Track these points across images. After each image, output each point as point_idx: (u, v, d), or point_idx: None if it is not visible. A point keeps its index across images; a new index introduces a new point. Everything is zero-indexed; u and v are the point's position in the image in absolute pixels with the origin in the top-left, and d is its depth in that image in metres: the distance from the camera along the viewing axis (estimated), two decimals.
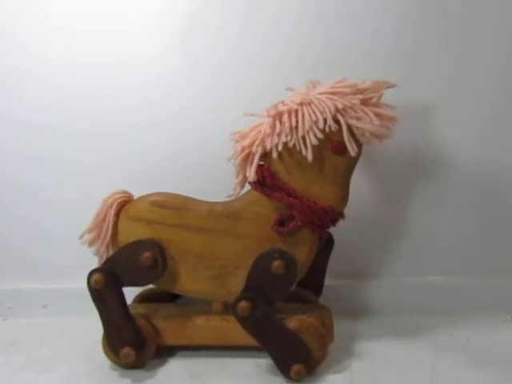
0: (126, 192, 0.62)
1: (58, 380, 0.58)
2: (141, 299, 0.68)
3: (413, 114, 0.71)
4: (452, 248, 0.74)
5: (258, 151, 0.57)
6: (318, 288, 0.68)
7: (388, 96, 0.59)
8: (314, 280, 0.67)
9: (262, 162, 0.59)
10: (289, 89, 0.61)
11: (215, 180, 0.70)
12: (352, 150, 0.55)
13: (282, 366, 0.56)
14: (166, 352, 0.62)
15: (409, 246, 0.74)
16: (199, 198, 0.61)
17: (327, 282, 0.69)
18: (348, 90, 0.56)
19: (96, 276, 0.56)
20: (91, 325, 0.67)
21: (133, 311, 0.60)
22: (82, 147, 0.74)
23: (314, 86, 0.61)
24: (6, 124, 0.74)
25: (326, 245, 0.66)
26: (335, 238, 0.66)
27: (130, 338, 0.57)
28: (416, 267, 0.74)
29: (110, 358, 0.59)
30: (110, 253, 0.61)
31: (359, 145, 0.56)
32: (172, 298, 0.68)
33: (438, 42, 0.70)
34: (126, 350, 0.56)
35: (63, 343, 0.67)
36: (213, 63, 0.72)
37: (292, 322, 0.56)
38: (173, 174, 0.73)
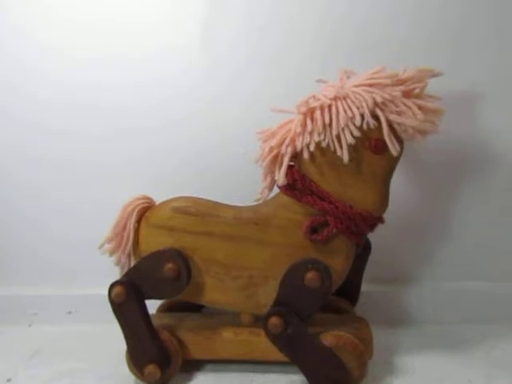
0: (147, 197, 0.58)
1: None
2: (165, 308, 0.64)
3: (457, 106, 0.63)
4: (499, 252, 0.67)
5: (287, 152, 0.52)
6: (353, 297, 0.63)
7: (429, 86, 0.52)
8: (349, 288, 0.61)
9: (291, 163, 0.54)
10: (320, 81, 0.55)
11: (240, 182, 0.66)
12: (393, 148, 0.49)
13: None
14: (192, 366, 0.58)
15: (452, 250, 0.68)
16: (224, 201, 0.57)
17: (363, 287, 0.63)
18: (388, 81, 0.50)
19: (117, 289, 0.53)
20: (117, 333, 0.64)
21: (157, 322, 0.57)
22: (100, 148, 0.71)
23: (349, 77, 0.55)
24: (19, 124, 0.71)
25: (363, 251, 0.60)
26: (372, 240, 0.60)
27: (154, 355, 0.54)
28: (460, 272, 0.68)
29: (135, 374, 0.56)
30: (132, 262, 0.57)
31: (401, 142, 0.50)
32: (197, 306, 0.64)
33: (485, 24, 0.62)
34: (151, 368, 0.53)
35: (89, 353, 0.64)
36: (236, 56, 0.67)
37: (328, 339, 0.52)
38: (195, 175, 0.69)
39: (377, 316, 0.64)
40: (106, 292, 0.70)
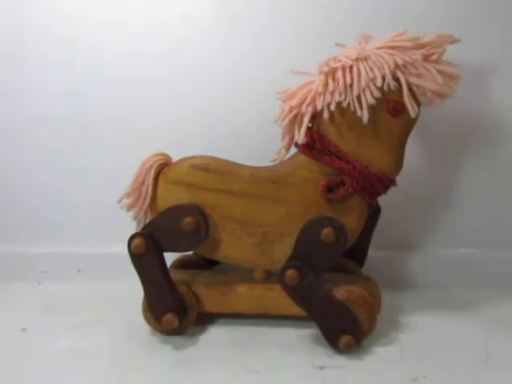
0: (165, 154, 0.59)
1: (99, 345, 0.57)
2: (177, 266, 0.66)
3: (469, 76, 0.64)
4: (501, 220, 0.70)
5: (307, 111, 0.53)
6: (361, 258, 0.65)
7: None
8: (357, 250, 0.63)
9: (309, 124, 0.55)
10: (339, 45, 0.56)
11: (257, 143, 0.67)
12: (412, 109, 0.51)
13: (330, 336, 0.53)
14: (206, 320, 0.60)
15: (455, 217, 0.70)
16: (241, 162, 0.58)
17: (369, 252, 0.65)
18: (409, 44, 0.51)
19: (137, 241, 0.54)
20: (126, 290, 0.66)
21: (172, 277, 0.58)
22: (116, 113, 0.71)
23: (367, 41, 0.56)
24: (37, 85, 0.71)
25: (373, 214, 0.62)
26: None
27: (172, 304, 0.55)
28: (462, 239, 0.70)
29: (151, 324, 0.58)
30: (149, 218, 0.58)
31: (418, 105, 0.52)
32: (209, 264, 0.66)
33: None
34: (169, 317, 0.55)
35: (100, 308, 0.66)
36: (256, 18, 0.67)
37: (340, 292, 0.54)
38: (213, 137, 0.69)
39: (381, 280, 0.65)
40: (114, 250, 0.73)
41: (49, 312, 0.66)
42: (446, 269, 0.70)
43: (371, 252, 0.65)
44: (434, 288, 0.69)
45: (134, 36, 0.69)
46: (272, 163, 0.58)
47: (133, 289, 0.60)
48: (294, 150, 0.57)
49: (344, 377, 0.50)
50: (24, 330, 0.61)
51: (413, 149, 0.67)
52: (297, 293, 0.53)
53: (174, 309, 0.55)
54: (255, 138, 0.68)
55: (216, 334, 0.59)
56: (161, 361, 0.53)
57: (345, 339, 0.52)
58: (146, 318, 0.58)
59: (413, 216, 0.71)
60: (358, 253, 0.64)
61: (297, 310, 0.55)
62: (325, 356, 0.53)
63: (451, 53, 0.53)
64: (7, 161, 0.74)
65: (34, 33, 0.70)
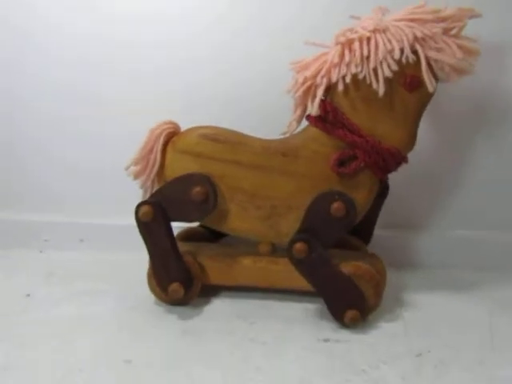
0: (174, 123, 0.58)
1: (103, 314, 0.57)
2: (182, 237, 0.65)
3: (484, 52, 0.63)
4: (507, 203, 0.69)
5: (322, 83, 0.52)
6: (367, 236, 0.65)
7: None
8: (364, 227, 0.63)
9: (322, 97, 0.54)
10: (353, 17, 0.55)
11: (267, 115, 0.66)
12: (430, 84, 0.50)
13: (336, 310, 0.53)
14: (210, 291, 0.60)
15: (462, 198, 0.70)
16: (251, 134, 0.57)
17: (375, 230, 0.65)
18: (429, 17, 0.50)
19: (144, 208, 0.53)
20: (130, 261, 0.66)
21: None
22: (123, 82, 0.70)
23: (384, 14, 0.55)
24: (41, 53, 0.70)
25: (381, 191, 0.61)
26: None
27: (178, 274, 0.55)
28: (468, 221, 0.70)
29: (156, 294, 0.57)
30: (156, 187, 0.58)
31: (436, 80, 0.51)
32: (214, 237, 0.66)
33: None
34: (175, 286, 0.54)
35: (103, 278, 0.65)
36: None
37: (347, 267, 0.54)
38: (222, 109, 0.68)
39: (386, 258, 0.65)
40: (118, 221, 0.72)
41: (52, 280, 0.66)
42: (452, 250, 0.70)
43: (377, 230, 0.65)
44: (439, 268, 0.69)
45: (149, 5, 0.68)
46: (282, 136, 0.57)
47: (136, 260, 0.60)
48: (304, 123, 0.57)
49: (349, 350, 0.50)
50: (28, 295, 0.61)
51: (424, 127, 0.66)
52: (304, 266, 0.53)
53: (180, 279, 0.55)
54: (266, 110, 0.67)
55: (220, 305, 0.59)
56: (165, 330, 0.53)
57: (350, 314, 0.52)
58: (152, 288, 0.57)
59: (420, 196, 0.70)
60: (364, 230, 0.64)
61: (301, 284, 0.55)
62: (330, 330, 0.53)
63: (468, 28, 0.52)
64: (11, 129, 0.73)
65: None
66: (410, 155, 0.55)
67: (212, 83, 0.69)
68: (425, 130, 0.67)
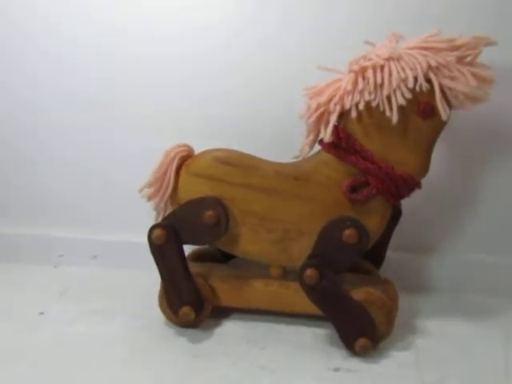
0: (188, 146, 0.59)
1: (114, 334, 0.57)
2: (194, 258, 0.66)
3: (497, 76, 0.63)
4: None
5: (335, 110, 0.52)
6: (379, 260, 0.64)
7: None
8: (376, 251, 0.62)
9: (335, 123, 0.54)
10: (368, 42, 0.55)
11: (280, 139, 0.66)
12: (444, 112, 0.49)
13: (347, 338, 0.53)
14: (221, 313, 0.60)
15: (476, 222, 0.69)
16: (260, 156, 0.57)
17: (387, 253, 0.65)
18: (443, 46, 0.50)
19: (157, 231, 0.54)
20: (141, 279, 0.67)
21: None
22: (139, 99, 0.71)
23: (398, 41, 0.55)
24: (55, 64, 0.71)
25: (393, 216, 0.61)
26: None
27: (189, 297, 0.55)
28: (481, 245, 0.69)
29: (167, 316, 0.58)
30: (169, 209, 0.58)
31: (450, 108, 0.51)
32: (225, 258, 0.66)
33: None
34: (186, 310, 0.55)
35: (116, 296, 0.66)
36: (280, 7, 0.66)
37: (359, 294, 0.53)
38: (232, 129, 0.69)
39: (398, 282, 0.65)
40: (131, 238, 0.73)
41: (67, 296, 0.66)
42: (466, 274, 0.69)
43: (389, 253, 0.65)
44: (452, 293, 0.68)
45: (162, 20, 0.69)
46: (294, 160, 0.58)
47: (149, 278, 0.60)
48: (317, 147, 0.57)
49: (359, 381, 0.49)
50: (42, 313, 0.61)
51: (437, 150, 0.66)
52: (315, 292, 0.53)
53: (191, 302, 0.56)
54: (278, 134, 0.67)
55: (231, 328, 0.59)
56: (175, 353, 0.54)
57: (361, 342, 0.52)
58: (163, 310, 0.58)
59: (434, 219, 0.70)
60: (375, 254, 0.63)
61: (312, 309, 0.55)
62: (339, 358, 0.53)
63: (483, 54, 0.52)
64: (29, 143, 0.75)
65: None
66: (424, 179, 0.55)
67: (221, 101, 0.69)
68: (438, 152, 0.66)
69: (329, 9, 0.65)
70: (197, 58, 0.69)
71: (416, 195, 0.57)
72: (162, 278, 0.56)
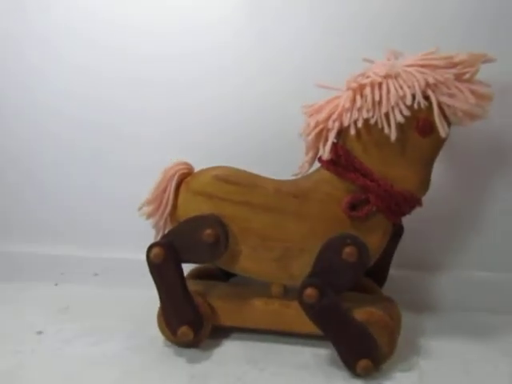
0: (188, 164, 0.59)
1: (109, 354, 0.56)
2: (194, 276, 0.65)
3: (499, 95, 0.63)
4: None
5: (334, 127, 0.52)
6: (381, 278, 0.63)
7: None
8: (378, 269, 0.62)
9: (334, 140, 0.54)
10: (366, 60, 0.55)
11: (279, 155, 0.66)
12: (442, 129, 0.49)
13: (348, 359, 0.52)
14: (220, 333, 0.60)
15: (480, 239, 0.68)
16: (258, 173, 0.57)
17: (390, 271, 0.64)
18: (441, 63, 0.50)
19: (156, 250, 0.54)
20: (142, 297, 0.66)
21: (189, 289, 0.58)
22: (136, 118, 0.72)
23: (396, 58, 0.55)
24: (60, 88, 0.73)
25: (395, 233, 0.60)
26: None
27: (188, 317, 0.55)
28: (485, 262, 0.68)
29: (166, 335, 0.57)
30: (168, 227, 0.58)
31: (449, 125, 0.51)
32: (225, 276, 0.66)
33: None
34: (184, 329, 0.54)
35: (114, 314, 0.66)
36: (283, 28, 0.67)
37: (360, 314, 0.52)
38: (233, 147, 0.69)
39: (401, 300, 0.64)
40: (132, 256, 0.72)
41: (65, 315, 0.66)
42: (469, 292, 0.67)
43: (392, 271, 0.64)
44: (456, 311, 0.67)
45: (161, 39, 0.70)
46: (294, 177, 0.58)
47: (148, 297, 0.59)
48: (317, 164, 0.57)
49: None
50: (40, 333, 0.61)
51: (439, 167, 0.65)
52: (315, 312, 0.52)
53: (190, 321, 0.55)
54: (278, 151, 0.67)
55: (230, 348, 0.58)
56: (174, 373, 0.53)
57: (363, 363, 0.51)
58: (161, 329, 0.57)
59: (437, 236, 0.69)
60: (378, 272, 0.63)
61: (313, 329, 0.54)
62: (341, 379, 0.52)
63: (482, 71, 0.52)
64: (30, 161, 0.76)
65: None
66: (425, 195, 0.54)
67: (224, 120, 0.70)
68: (440, 169, 0.66)
69: (327, 26, 0.66)
70: (192, 83, 0.70)
71: (418, 212, 0.56)
72: (161, 297, 0.55)
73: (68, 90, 0.73)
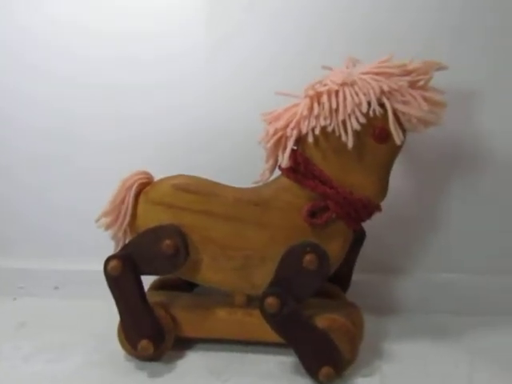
0: (147, 173, 0.58)
1: (69, 370, 0.55)
2: (157, 287, 0.64)
3: (453, 103, 0.63)
4: (487, 245, 0.69)
5: (292, 135, 0.52)
6: (345, 283, 0.64)
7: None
8: (341, 275, 0.62)
9: (294, 147, 0.54)
10: (325, 67, 0.55)
11: (240, 164, 0.66)
12: (397, 136, 0.50)
13: (310, 367, 0.52)
14: (183, 344, 0.59)
15: (440, 242, 0.69)
16: (222, 181, 0.57)
17: (353, 276, 0.64)
18: (395, 71, 0.51)
19: (113, 263, 0.52)
20: (104, 310, 0.63)
21: (150, 299, 0.56)
22: (100, 126, 0.70)
23: (354, 65, 0.56)
24: (20, 99, 0.71)
25: (357, 238, 0.61)
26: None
27: (148, 330, 0.54)
28: (448, 263, 0.69)
29: (126, 350, 0.56)
30: (128, 238, 0.57)
31: (404, 132, 0.51)
32: (189, 286, 0.65)
33: (486, 22, 0.63)
34: (144, 344, 0.53)
35: (75, 329, 0.64)
36: (242, 39, 0.67)
37: (322, 321, 0.52)
38: (194, 156, 0.68)
39: (365, 304, 0.64)
40: (92, 268, 0.70)
41: (23, 331, 0.64)
42: (432, 294, 0.68)
43: (355, 275, 0.64)
44: (419, 314, 0.68)
45: (123, 44, 0.68)
46: (255, 185, 0.57)
47: (111, 309, 0.58)
48: (278, 171, 0.57)
49: None
50: None
51: (398, 172, 0.66)
52: (276, 321, 0.52)
53: (150, 335, 0.54)
54: (239, 158, 0.67)
55: (193, 360, 0.57)
56: None
57: (325, 371, 0.51)
58: (122, 343, 0.56)
59: (398, 240, 0.70)
60: (341, 277, 0.63)
61: (276, 338, 0.54)
62: None
63: (438, 78, 0.53)
64: None
65: None
66: (386, 199, 0.55)
67: (182, 129, 0.69)
68: (400, 174, 0.67)
69: (288, 34, 0.66)
70: (155, 90, 0.69)
71: (379, 217, 0.56)
72: (120, 310, 0.54)
73: (19, 92, 0.70)
